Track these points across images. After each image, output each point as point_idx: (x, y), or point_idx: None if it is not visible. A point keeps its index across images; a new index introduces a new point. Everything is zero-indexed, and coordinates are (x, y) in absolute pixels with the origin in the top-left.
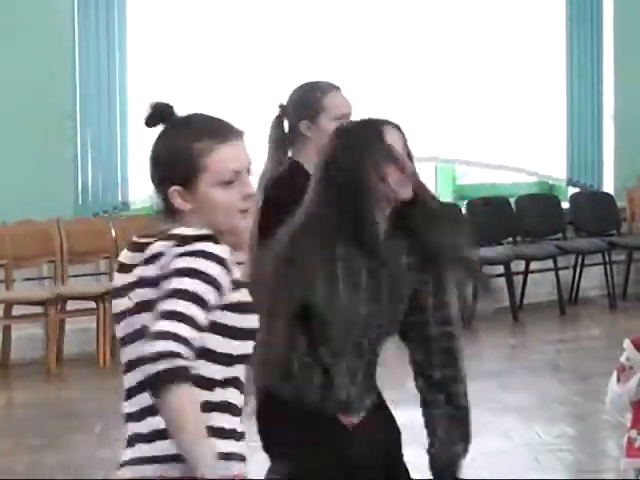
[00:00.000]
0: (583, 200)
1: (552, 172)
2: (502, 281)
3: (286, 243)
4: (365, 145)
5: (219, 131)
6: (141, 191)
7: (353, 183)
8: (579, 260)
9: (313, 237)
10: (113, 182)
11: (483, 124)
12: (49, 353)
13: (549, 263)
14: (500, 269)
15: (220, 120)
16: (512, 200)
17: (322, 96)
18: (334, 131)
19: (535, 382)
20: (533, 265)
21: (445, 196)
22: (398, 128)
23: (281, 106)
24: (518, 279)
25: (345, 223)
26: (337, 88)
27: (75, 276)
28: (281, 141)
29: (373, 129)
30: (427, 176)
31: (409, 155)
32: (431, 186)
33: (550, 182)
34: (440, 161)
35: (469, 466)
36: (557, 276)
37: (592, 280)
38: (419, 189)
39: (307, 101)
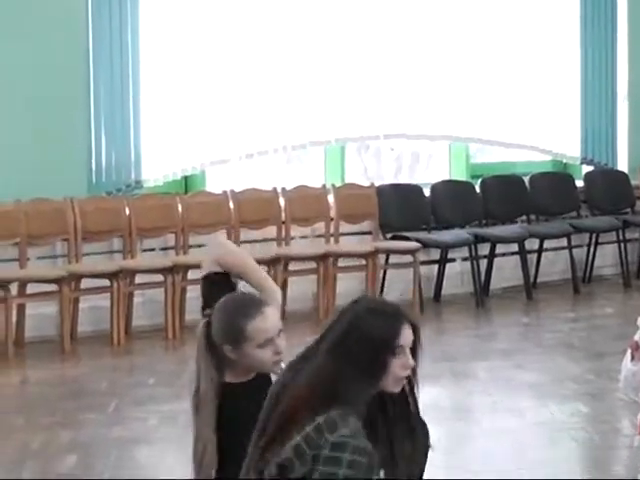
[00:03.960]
0: (597, 178)
1: (566, 150)
2: (516, 259)
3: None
4: (381, 339)
5: None
6: (154, 170)
7: (360, 367)
8: (593, 238)
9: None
10: (126, 161)
11: (497, 102)
12: (63, 331)
13: (563, 241)
14: (514, 247)
15: None
16: (526, 179)
17: (247, 324)
18: (363, 309)
19: (549, 360)
20: (547, 243)
21: (459, 175)
22: (414, 325)
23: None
24: (532, 257)
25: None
26: (262, 310)
27: (89, 254)
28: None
29: (396, 320)
30: (441, 155)
31: (415, 351)
32: (445, 165)
33: (564, 160)
34: (454, 140)
35: (484, 444)
36: (571, 254)
37: (606, 258)
38: (409, 388)
39: (231, 327)
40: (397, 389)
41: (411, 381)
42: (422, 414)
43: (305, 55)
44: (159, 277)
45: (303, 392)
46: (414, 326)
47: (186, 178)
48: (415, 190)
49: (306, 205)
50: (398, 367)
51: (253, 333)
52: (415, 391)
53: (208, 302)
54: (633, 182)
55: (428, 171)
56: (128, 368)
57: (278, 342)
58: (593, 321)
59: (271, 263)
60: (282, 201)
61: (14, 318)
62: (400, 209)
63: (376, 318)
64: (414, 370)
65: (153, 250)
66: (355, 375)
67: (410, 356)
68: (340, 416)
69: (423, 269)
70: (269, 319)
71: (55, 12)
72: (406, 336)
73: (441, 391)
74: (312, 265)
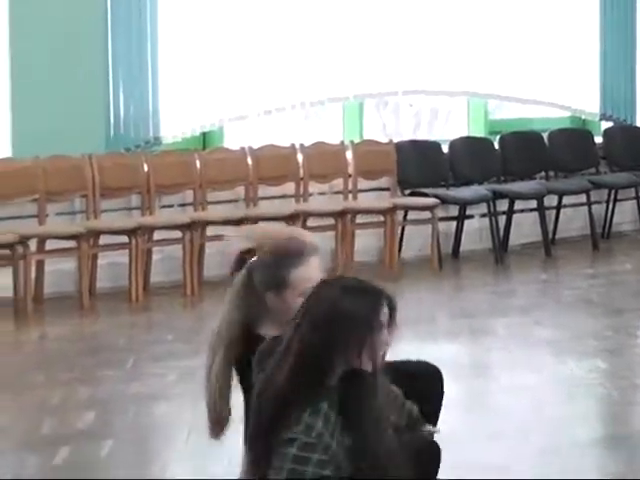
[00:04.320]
0: (616, 134)
1: (585, 106)
2: (535, 216)
3: None
4: (362, 317)
5: None
6: (173, 126)
7: (341, 347)
8: (612, 195)
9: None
10: (145, 117)
11: (516, 58)
12: (82, 288)
13: (582, 198)
14: (533, 204)
15: None
16: (545, 135)
17: (291, 270)
18: (339, 289)
19: (567, 317)
20: (566, 200)
21: (477, 131)
22: (390, 300)
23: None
24: (551, 214)
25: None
26: (307, 258)
27: (107, 211)
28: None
29: (374, 301)
30: (459, 111)
31: (391, 324)
32: (464, 121)
33: (583, 116)
34: (472, 96)
35: (502, 401)
36: (590, 211)
37: (625, 214)
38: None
39: (275, 275)
40: (370, 366)
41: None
42: (441, 370)
43: (324, 11)
44: (177, 234)
45: (286, 388)
46: (391, 302)
47: (204, 134)
48: (433, 146)
49: (324, 161)
50: (378, 344)
51: (296, 281)
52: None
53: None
54: None
55: (446, 127)
56: (146, 324)
57: None
58: (612, 277)
59: (289, 219)
60: (300, 157)
61: (33, 274)
62: (418, 165)
63: (356, 297)
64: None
65: (171, 207)
66: (337, 356)
67: (386, 333)
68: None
69: (441, 225)
70: (312, 268)
71: None
72: (385, 313)
73: (459, 348)
74: (330, 222)
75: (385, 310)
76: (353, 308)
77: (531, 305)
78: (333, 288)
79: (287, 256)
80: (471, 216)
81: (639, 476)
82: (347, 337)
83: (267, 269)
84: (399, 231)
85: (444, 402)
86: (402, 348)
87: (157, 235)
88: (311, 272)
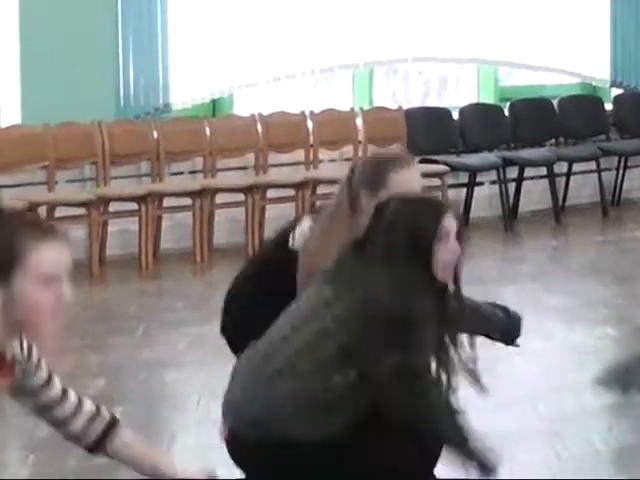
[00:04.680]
0: (627, 101)
1: (595, 73)
2: (545, 183)
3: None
4: (425, 227)
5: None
6: (183, 93)
7: (406, 259)
8: (622, 162)
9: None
10: (155, 84)
11: (526, 25)
12: (91, 255)
13: (592, 165)
14: (543, 171)
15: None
16: (555, 102)
17: (391, 172)
18: (400, 201)
19: (577, 284)
20: (576, 167)
21: (487, 98)
22: (456, 214)
23: (352, 170)
24: (560, 181)
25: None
26: (409, 165)
27: (117, 178)
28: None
29: (436, 213)
30: (469, 78)
31: (460, 239)
32: (474, 88)
33: (593, 83)
34: (482, 63)
35: (511, 368)
36: (600, 178)
37: (635, 182)
38: (456, 279)
39: (375, 173)
40: (447, 276)
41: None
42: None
43: None
44: (187, 201)
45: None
46: (456, 211)
47: (214, 101)
48: (443, 113)
49: (334, 128)
50: (445, 252)
51: (395, 183)
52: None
53: None
54: None
55: (456, 94)
56: (156, 292)
57: None
58: (622, 245)
59: (299, 187)
60: (310, 124)
61: None
62: (428, 132)
63: (416, 207)
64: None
65: (181, 174)
66: (408, 268)
67: (455, 242)
68: None
69: (451, 192)
70: (413, 174)
71: None
72: (449, 221)
73: None
74: None
75: (450, 219)
76: (415, 217)
77: (541, 272)
78: (392, 205)
79: (390, 159)
80: (481, 183)
81: None
82: (412, 247)
83: (368, 166)
84: None
85: None
86: None
87: (167, 202)
88: (411, 177)
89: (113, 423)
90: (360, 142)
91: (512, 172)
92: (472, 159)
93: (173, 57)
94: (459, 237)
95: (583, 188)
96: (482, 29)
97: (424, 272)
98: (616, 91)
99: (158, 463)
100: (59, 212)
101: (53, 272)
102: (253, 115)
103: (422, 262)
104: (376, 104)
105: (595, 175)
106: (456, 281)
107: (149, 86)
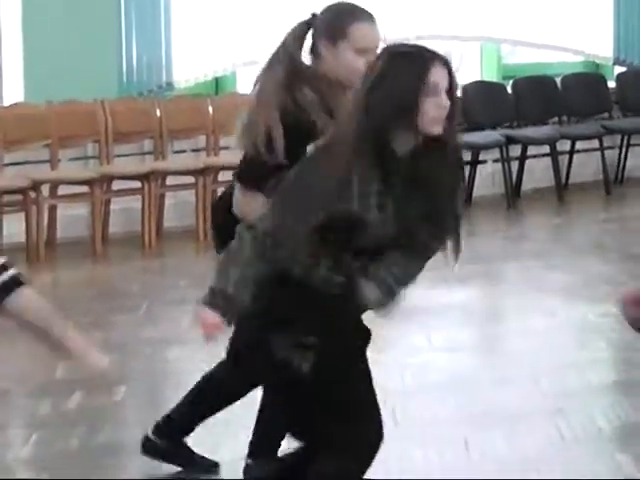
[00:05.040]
0: (630, 79)
1: (598, 51)
2: (547, 161)
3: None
4: (412, 75)
5: None
6: (185, 71)
7: (391, 107)
8: (625, 140)
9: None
10: (157, 62)
11: (529, 2)
12: (94, 233)
13: (595, 143)
14: (546, 149)
15: None
16: (558, 79)
17: (351, 22)
18: (387, 51)
19: (580, 262)
20: (579, 145)
21: (490, 76)
22: (447, 63)
23: (313, 15)
24: (563, 159)
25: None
26: (371, 20)
27: (120, 156)
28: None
29: (423, 61)
30: (472, 56)
31: (452, 91)
32: (477, 66)
33: (596, 61)
34: (485, 40)
35: (514, 346)
36: (603, 156)
37: (638, 160)
38: (449, 131)
39: (335, 22)
40: (436, 130)
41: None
42: (454, 314)
43: None
44: (190, 179)
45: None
46: (447, 63)
47: (217, 79)
48: None
49: None
50: (431, 106)
51: (354, 34)
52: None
53: None
54: None
55: (459, 72)
56: (159, 270)
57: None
58: (625, 223)
59: None
60: None
61: (45, 220)
62: None
63: (403, 58)
64: (452, 113)
65: (184, 152)
66: (394, 118)
67: (445, 96)
68: None
69: None
70: (374, 29)
71: None
72: (437, 74)
73: (471, 293)
74: None
75: (440, 72)
76: (400, 69)
77: (543, 250)
78: (383, 55)
79: (352, 11)
80: (484, 161)
81: None
82: (397, 100)
83: (330, 15)
84: None
85: (455, 346)
86: (414, 293)
87: (170, 180)
88: (372, 33)
89: (18, 280)
90: None
91: (515, 150)
92: (475, 137)
93: (176, 35)
94: (451, 89)
95: (586, 166)
96: (485, 7)
97: (406, 131)
98: (619, 69)
99: (61, 334)
100: (62, 190)
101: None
102: None
103: (406, 121)
104: None
105: (598, 153)
106: (450, 134)
107: (152, 64)
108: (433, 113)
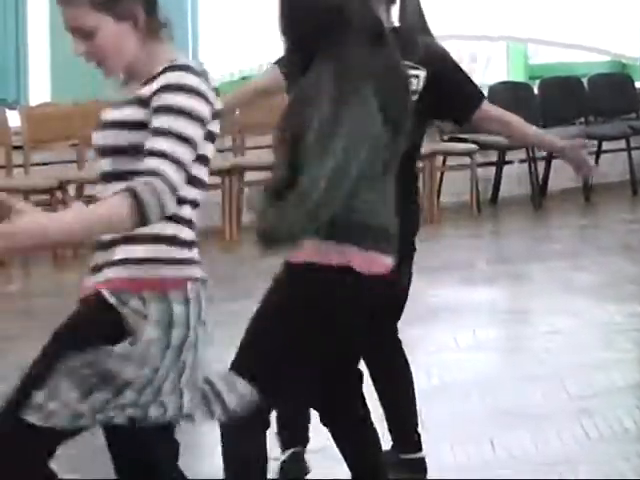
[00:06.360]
0: None
1: (625, 51)
2: None
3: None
4: None
5: None
6: (212, 70)
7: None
8: None
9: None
10: None
11: (556, 2)
12: None
13: (621, 143)
14: None
15: None
16: (585, 80)
17: None
18: None
19: (606, 262)
20: (605, 145)
21: (516, 76)
22: None
23: None
24: (590, 159)
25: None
26: None
27: None
28: None
29: None
30: (499, 56)
31: None
32: (503, 66)
33: (623, 61)
34: (512, 40)
35: (540, 346)
36: (630, 156)
37: None
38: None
39: None
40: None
41: None
42: (480, 313)
43: None
44: (217, 179)
45: None
46: None
47: (244, 79)
48: None
49: None
50: None
51: None
52: None
53: None
54: None
55: (486, 72)
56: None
57: None
58: None
59: None
60: None
61: None
62: None
63: None
64: None
65: None
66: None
67: None
68: None
69: (480, 171)
70: None
71: None
72: None
73: (498, 293)
74: None
75: None
76: None
77: (570, 250)
78: None
79: None
80: (510, 161)
81: None
82: None
83: None
84: (438, 176)
85: (482, 346)
86: (441, 292)
87: None
88: None
89: None
90: None
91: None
92: (501, 137)
93: (203, 34)
94: None
95: (613, 166)
96: (512, 6)
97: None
98: None
99: None
100: (88, 190)
101: None
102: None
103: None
104: None
105: (625, 153)
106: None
107: None
108: None
